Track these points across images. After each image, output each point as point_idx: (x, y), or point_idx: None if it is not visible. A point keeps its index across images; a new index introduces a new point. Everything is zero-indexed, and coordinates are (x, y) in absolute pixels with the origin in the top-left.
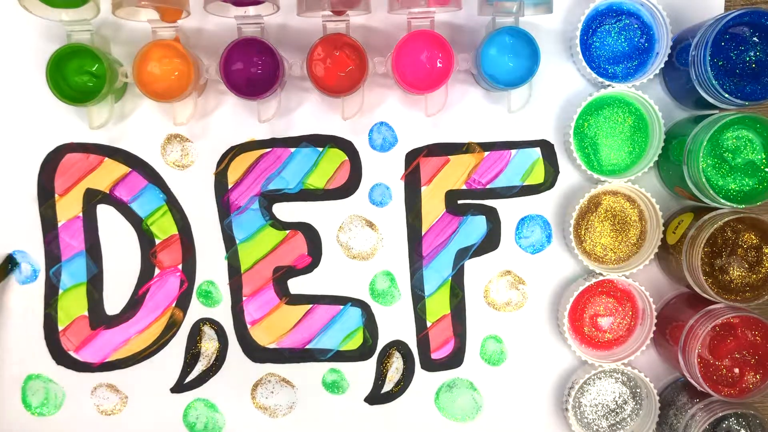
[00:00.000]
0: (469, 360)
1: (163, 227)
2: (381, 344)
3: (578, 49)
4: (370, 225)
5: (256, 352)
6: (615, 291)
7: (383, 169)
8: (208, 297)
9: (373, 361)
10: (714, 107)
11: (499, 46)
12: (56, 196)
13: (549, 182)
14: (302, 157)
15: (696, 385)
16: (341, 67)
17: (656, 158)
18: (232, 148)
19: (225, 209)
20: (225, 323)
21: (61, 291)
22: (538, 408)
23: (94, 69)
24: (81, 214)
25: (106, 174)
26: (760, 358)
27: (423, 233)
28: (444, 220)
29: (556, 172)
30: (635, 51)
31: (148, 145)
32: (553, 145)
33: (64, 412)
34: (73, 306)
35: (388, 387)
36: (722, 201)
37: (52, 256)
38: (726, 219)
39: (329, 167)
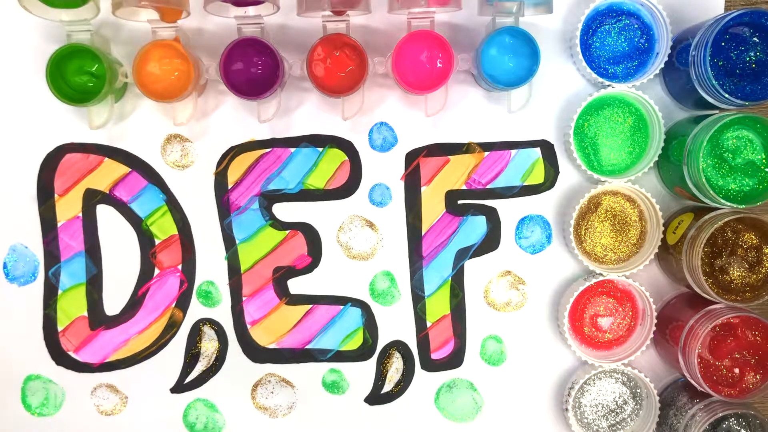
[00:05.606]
0: (469, 360)
1: (163, 227)
2: (381, 344)
3: (578, 49)
4: (370, 225)
5: (256, 352)
6: (615, 291)
7: (383, 169)
8: (208, 297)
9: (373, 361)
10: (714, 107)
11: (499, 46)
12: (56, 196)
13: (549, 182)
14: (302, 157)
15: (696, 385)
16: (341, 67)
17: (656, 158)
18: (232, 148)
19: (225, 209)
20: (225, 323)
21: (60, 291)
22: (538, 408)
23: (94, 69)
24: (80, 215)
25: (106, 174)
26: (760, 358)
27: (423, 233)
28: (444, 220)
29: (556, 172)
30: (635, 51)
31: (148, 145)
32: (553, 145)
33: (64, 412)
34: (72, 306)
35: (388, 387)
36: (722, 201)
37: (52, 257)
38: (726, 219)
39: (329, 167)
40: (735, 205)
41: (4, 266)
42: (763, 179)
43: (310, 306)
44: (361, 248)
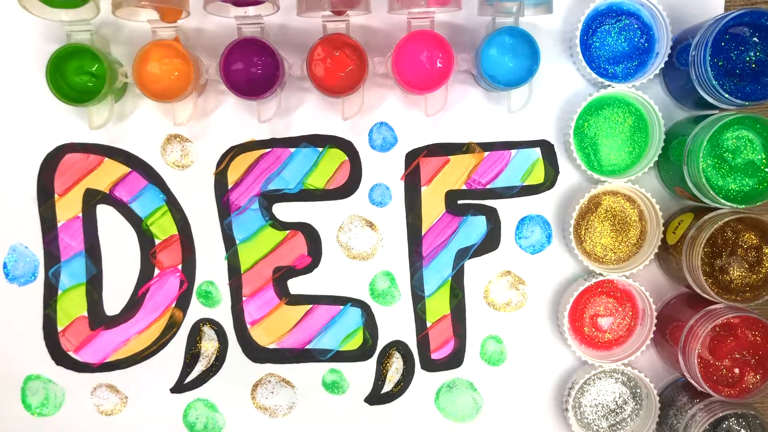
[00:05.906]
0: (469, 360)
1: (163, 227)
2: (381, 344)
3: (578, 49)
4: (370, 225)
5: (256, 352)
6: (615, 291)
7: (383, 169)
8: (208, 297)
9: (373, 361)
10: (714, 107)
11: (499, 46)
12: (56, 196)
13: (549, 182)
14: (302, 157)
15: (696, 385)
16: (341, 67)
17: (656, 158)
18: (232, 148)
19: (225, 209)
20: (225, 323)
21: (60, 291)
22: (538, 408)
23: (94, 69)
24: (80, 215)
25: (106, 174)
26: (760, 358)
27: (423, 233)
28: (444, 220)
29: (556, 172)
30: (635, 51)
31: (148, 145)
32: (553, 145)
33: (64, 412)
34: (72, 306)
35: (388, 387)
36: (722, 201)
37: (52, 257)
38: (726, 219)
39: (329, 167)
40: (735, 205)
41: (4, 266)
42: (763, 179)
43: (310, 306)
44: (361, 248)
